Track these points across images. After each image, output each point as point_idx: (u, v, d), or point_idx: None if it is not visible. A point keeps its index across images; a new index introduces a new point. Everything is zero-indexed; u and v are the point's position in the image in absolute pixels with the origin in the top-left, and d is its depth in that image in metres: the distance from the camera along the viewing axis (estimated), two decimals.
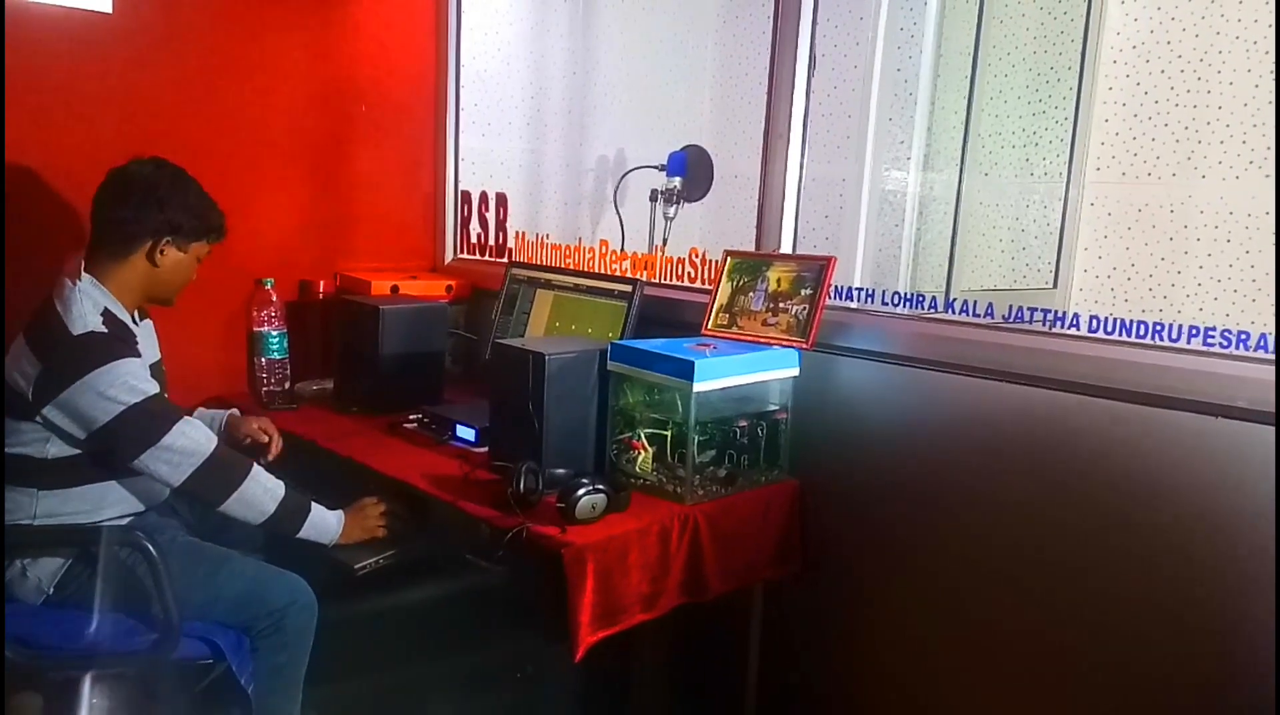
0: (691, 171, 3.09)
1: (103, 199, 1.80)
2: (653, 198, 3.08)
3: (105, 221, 1.79)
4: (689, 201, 3.12)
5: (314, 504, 1.83)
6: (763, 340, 1.93)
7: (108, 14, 2.16)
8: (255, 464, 1.80)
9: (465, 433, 2.07)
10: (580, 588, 1.54)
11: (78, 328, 1.67)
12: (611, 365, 1.84)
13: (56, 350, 1.66)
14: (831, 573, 1.99)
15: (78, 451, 1.71)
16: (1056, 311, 1.73)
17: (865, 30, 2.73)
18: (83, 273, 1.76)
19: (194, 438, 1.72)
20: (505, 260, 2.67)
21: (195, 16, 2.31)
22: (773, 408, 1.93)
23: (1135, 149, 2.97)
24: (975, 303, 1.83)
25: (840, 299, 2.01)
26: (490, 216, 2.88)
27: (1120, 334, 1.61)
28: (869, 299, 1.99)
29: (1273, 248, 2.64)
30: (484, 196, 2.89)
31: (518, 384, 1.80)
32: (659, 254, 2.55)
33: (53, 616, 1.70)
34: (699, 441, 1.79)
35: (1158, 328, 1.55)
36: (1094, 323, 1.64)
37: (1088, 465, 1.60)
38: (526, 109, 3.20)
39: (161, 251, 1.81)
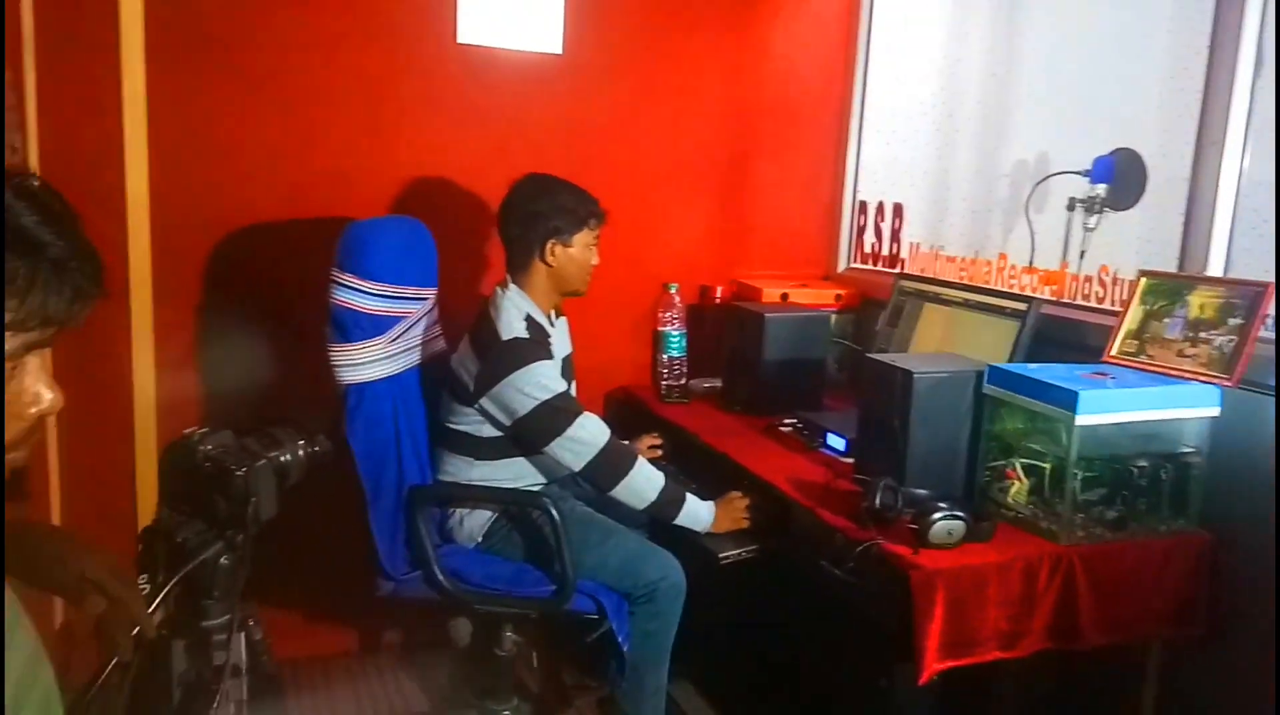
0: (1120, 179, 2.78)
1: (500, 223, 2.13)
2: (1070, 206, 2.83)
3: (506, 241, 2.13)
4: (1115, 210, 2.82)
5: (689, 495, 1.99)
6: (1175, 373, 1.72)
7: (558, 55, 2.53)
8: (640, 457, 2.01)
9: (835, 442, 2.10)
10: (928, 613, 1.51)
11: (506, 333, 2.00)
12: (988, 388, 1.76)
13: (490, 352, 2.00)
14: (1251, 641, 1.70)
15: (503, 434, 2.04)
16: None
17: None
18: (509, 284, 2.10)
19: (592, 430, 1.97)
20: (896, 271, 2.65)
21: (628, 51, 2.62)
22: (1184, 450, 1.70)
23: None
24: None
25: None
26: (886, 226, 2.86)
27: None
28: None
29: None
30: (880, 206, 2.88)
31: (885, 400, 1.80)
32: (1068, 270, 2.36)
33: (480, 559, 2.06)
34: (1084, 478, 1.65)
35: None
36: None
37: None
38: (936, 114, 3.12)
39: (551, 252, 2.08)
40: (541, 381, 1.96)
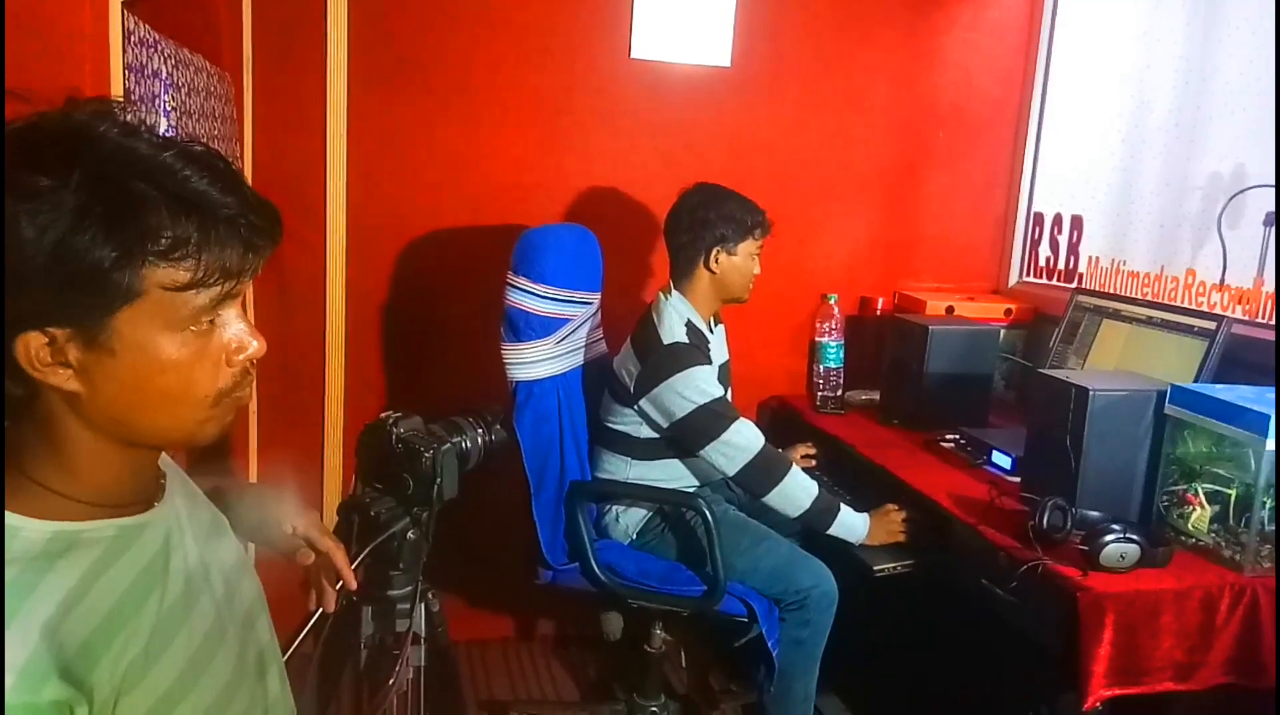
0: None
1: (667, 231, 2.19)
2: (1267, 222, 2.64)
3: (672, 248, 2.18)
4: None
5: (843, 506, 1.99)
6: None
7: (727, 68, 2.58)
8: (794, 465, 2.03)
9: (1001, 459, 2.05)
10: (1095, 637, 1.46)
11: (667, 337, 2.06)
12: (1170, 409, 1.68)
13: (651, 355, 2.06)
14: None
15: (660, 435, 2.10)
16: None
17: None
18: (672, 290, 2.15)
19: (747, 436, 2.00)
20: (1073, 286, 2.55)
21: (796, 62, 2.63)
22: None
23: None
24: None
25: None
26: (1063, 239, 2.75)
27: None
28: None
29: None
30: (1057, 218, 2.77)
31: (1057, 417, 1.74)
32: (1264, 288, 2.21)
33: (633, 556, 2.13)
34: (1273, 507, 1.55)
35: None
36: None
37: None
38: (1122, 124, 2.97)
39: (716, 259, 2.12)
40: (700, 386, 2.01)
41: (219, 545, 0.95)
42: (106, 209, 0.70)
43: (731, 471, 2.01)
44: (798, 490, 1.99)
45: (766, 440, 2.03)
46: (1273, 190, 2.73)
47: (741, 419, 2.03)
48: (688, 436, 2.04)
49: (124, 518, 0.81)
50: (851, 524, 1.99)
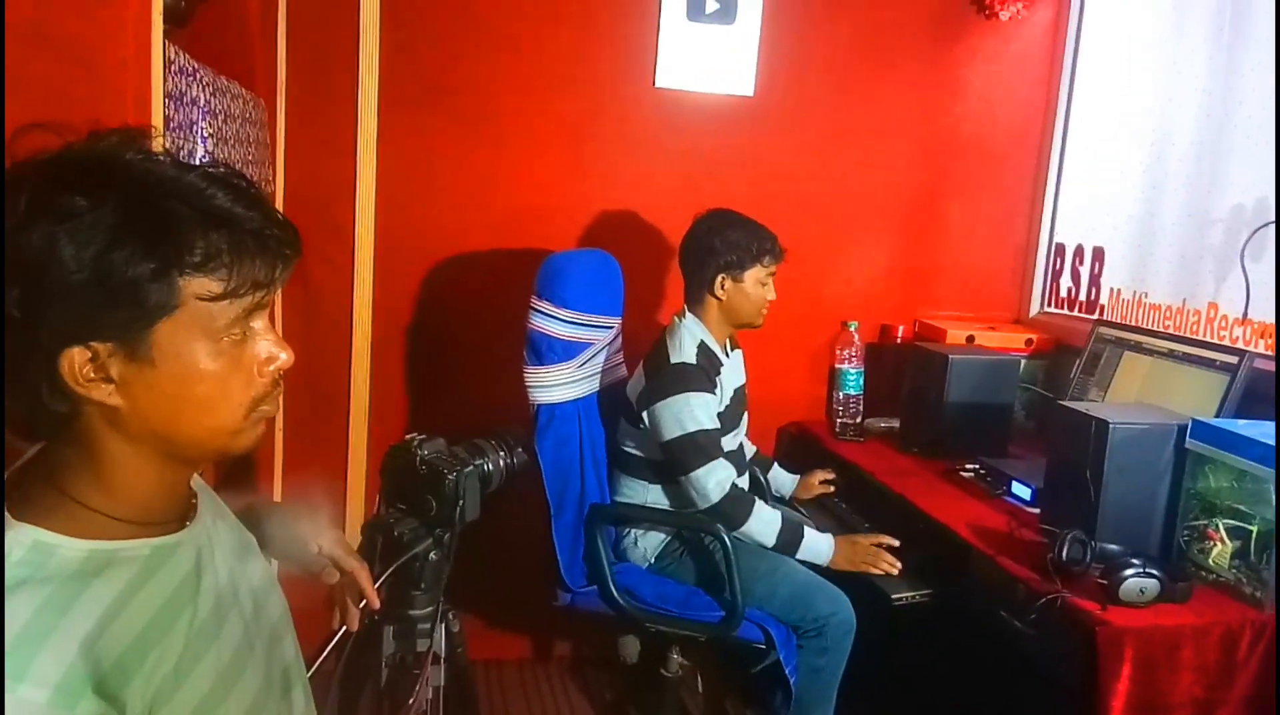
0: None
1: (680, 256, 2.22)
2: None
3: (684, 274, 2.21)
4: None
5: (807, 530, 2.04)
6: None
7: (750, 97, 2.61)
8: (757, 501, 2.06)
9: (1020, 490, 2.05)
10: (1114, 671, 1.45)
11: (675, 357, 2.08)
12: (1191, 443, 1.67)
13: (658, 372, 2.09)
14: None
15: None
16: None
17: None
18: (686, 313, 2.18)
19: (716, 480, 2.01)
20: (1094, 317, 2.55)
21: (819, 92, 2.66)
22: None
23: None
24: None
25: None
26: (1084, 270, 2.75)
27: None
28: None
29: None
30: (1079, 249, 2.78)
31: (1077, 450, 1.74)
32: None
33: (652, 580, 2.14)
34: None
35: None
36: None
37: None
38: (1144, 155, 2.97)
39: (722, 286, 2.14)
40: (692, 412, 2.02)
41: (247, 564, 0.97)
42: (143, 226, 0.73)
43: (702, 506, 2.04)
44: (763, 526, 2.03)
45: (734, 483, 2.03)
46: None
47: (718, 461, 2.03)
48: (670, 461, 2.07)
49: (158, 537, 0.83)
50: (816, 548, 2.03)
